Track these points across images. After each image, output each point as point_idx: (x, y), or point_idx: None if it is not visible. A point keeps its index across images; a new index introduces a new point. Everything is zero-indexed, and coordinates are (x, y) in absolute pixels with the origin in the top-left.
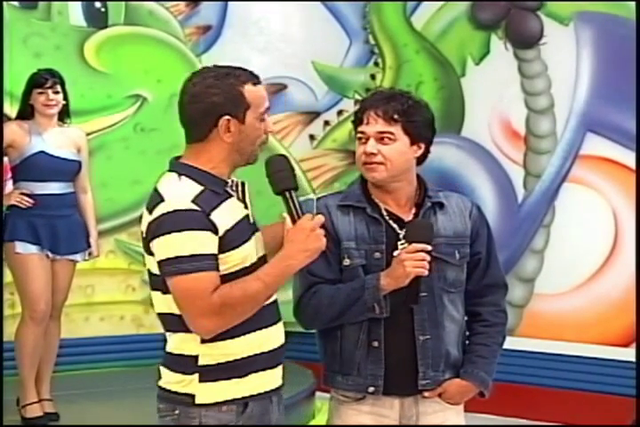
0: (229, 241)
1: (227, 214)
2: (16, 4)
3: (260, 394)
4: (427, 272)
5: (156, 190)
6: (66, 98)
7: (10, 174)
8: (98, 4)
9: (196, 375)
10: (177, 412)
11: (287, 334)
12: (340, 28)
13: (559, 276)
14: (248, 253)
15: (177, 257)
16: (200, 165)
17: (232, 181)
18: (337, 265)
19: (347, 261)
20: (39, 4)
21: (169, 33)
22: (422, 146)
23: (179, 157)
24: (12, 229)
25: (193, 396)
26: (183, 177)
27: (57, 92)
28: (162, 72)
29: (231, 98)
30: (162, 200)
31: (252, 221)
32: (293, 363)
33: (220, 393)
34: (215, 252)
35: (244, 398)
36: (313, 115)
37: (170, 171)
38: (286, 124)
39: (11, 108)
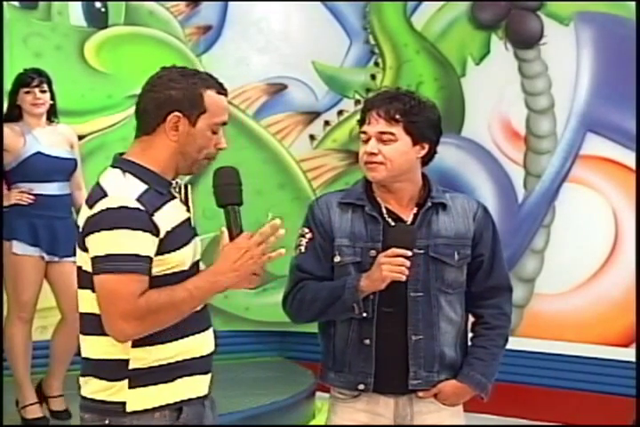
0: (169, 243)
1: (169, 216)
2: (16, 3)
3: (191, 399)
4: (404, 277)
5: (98, 185)
6: (53, 97)
7: None
8: (98, 4)
9: (126, 381)
10: (107, 422)
11: (287, 334)
12: (340, 28)
13: (559, 276)
14: (186, 256)
15: (112, 255)
16: (145, 163)
17: (176, 183)
18: (327, 262)
19: (337, 258)
20: (39, 4)
21: (169, 33)
22: (426, 146)
23: (122, 154)
24: (10, 228)
25: (123, 404)
26: (128, 174)
27: (44, 91)
28: None
29: (189, 96)
30: (105, 195)
31: (192, 224)
32: (293, 363)
33: (152, 399)
34: (151, 254)
35: (176, 402)
36: (313, 115)
37: (113, 166)
38: (286, 125)
39: None
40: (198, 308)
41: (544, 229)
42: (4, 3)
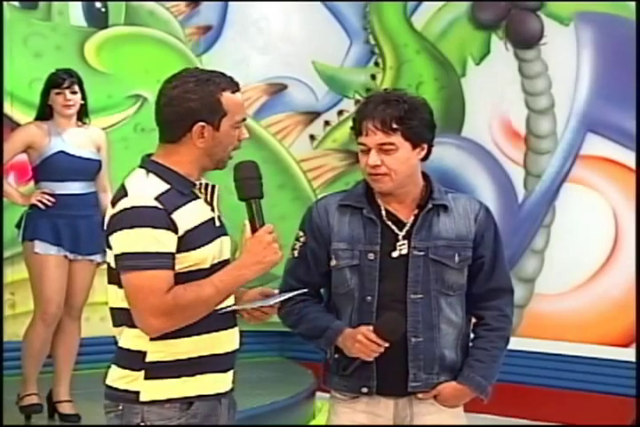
0: (188, 242)
1: (189, 215)
2: (16, 4)
3: (205, 396)
4: (370, 359)
5: (122, 185)
6: (84, 98)
7: (30, 175)
8: (98, 5)
9: (142, 372)
10: (120, 407)
11: (287, 334)
12: (340, 28)
13: (559, 276)
14: (207, 255)
15: (134, 253)
16: (169, 165)
17: (200, 184)
18: (319, 268)
19: (333, 262)
20: (39, 4)
21: (169, 33)
22: (425, 146)
23: (151, 155)
24: (33, 228)
25: (137, 393)
26: (151, 174)
27: (74, 93)
28: (162, 72)
29: (208, 105)
30: (126, 195)
31: (218, 224)
32: (293, 363)
33: (164, 391)
34: (173, 251)
35: (187, 397)
36: (313, 115)
37: (140, 167)
38: (286, 125)
39: (11, 108)
40: (221, 306)
41: (544, 229)
42: (4, 3)
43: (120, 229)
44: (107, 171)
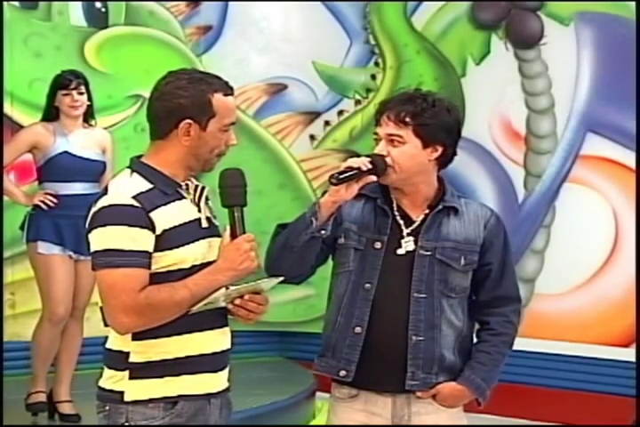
0: (167, 241)
1: (170, 215)
2: (16, 4)
3: (192, 395)
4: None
5: (106, 185)
6: (90, 99)
7: (32, 175)
8: (98, 5)
9: (127, 372)
10: (107, 408)
11: (287, 334)
12: (340, 28)
13: (559, 276)
14: (187, 255)
15: (108, 250)
16: (155, 164)
17: (188, 184)
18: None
19: (341, 240)
20: (39, 4)
21: (169, 33)
22: (439, 149)
23: (140, 156)
24: (36, 229)
25: (122, 393)
26: (135, 174)
27: (81, 93)
28: (162, 72)
29: (198, 103)
30: (105, 194)
31: (206, 225)
32: (293, 363)
33: (148, 391)
34: (149, 249)
35: (171, 397)
36: (313, 115)
37: (127, 167)
38: (286, 125)
39: (11, 108)
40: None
41: (544, 229)
42: (4, 3)
43: (96, 227)
44: (112, 172)
